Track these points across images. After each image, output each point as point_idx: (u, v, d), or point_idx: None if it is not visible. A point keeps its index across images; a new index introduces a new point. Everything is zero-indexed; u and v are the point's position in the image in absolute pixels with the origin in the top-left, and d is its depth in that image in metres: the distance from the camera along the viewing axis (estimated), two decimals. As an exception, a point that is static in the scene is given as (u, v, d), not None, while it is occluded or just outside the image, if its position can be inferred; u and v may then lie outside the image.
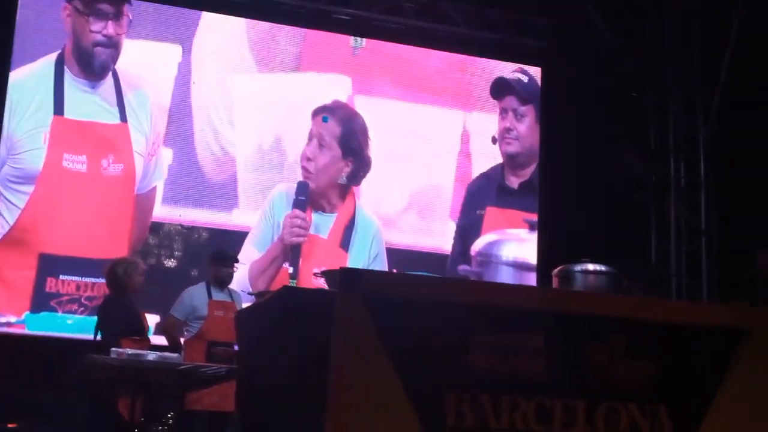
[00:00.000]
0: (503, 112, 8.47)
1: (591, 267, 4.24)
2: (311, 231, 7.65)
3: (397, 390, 2.88)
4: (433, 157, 8.30)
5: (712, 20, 8.18)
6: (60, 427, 6.23)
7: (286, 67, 7.98)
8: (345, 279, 2.96)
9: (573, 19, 8.17)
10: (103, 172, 7.24)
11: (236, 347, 5.24)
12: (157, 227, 7.42)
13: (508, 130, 8.43)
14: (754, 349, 3.26)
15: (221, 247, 6.58)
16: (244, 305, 5.84)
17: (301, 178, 7.73)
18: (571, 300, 3.44)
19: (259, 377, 3.66)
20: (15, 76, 7.19)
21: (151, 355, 4.68)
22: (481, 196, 8.33)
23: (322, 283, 4.04)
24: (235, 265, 6.12)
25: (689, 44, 8.58)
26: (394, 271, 7.59)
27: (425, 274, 6.81)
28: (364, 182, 7.96)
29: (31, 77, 7.22)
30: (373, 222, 7.95)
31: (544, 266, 7.85)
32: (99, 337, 5.33)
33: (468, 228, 8.24)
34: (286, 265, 7.51)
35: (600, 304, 3.38)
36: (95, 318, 5.61)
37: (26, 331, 6.94)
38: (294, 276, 7.44)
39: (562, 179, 8.27)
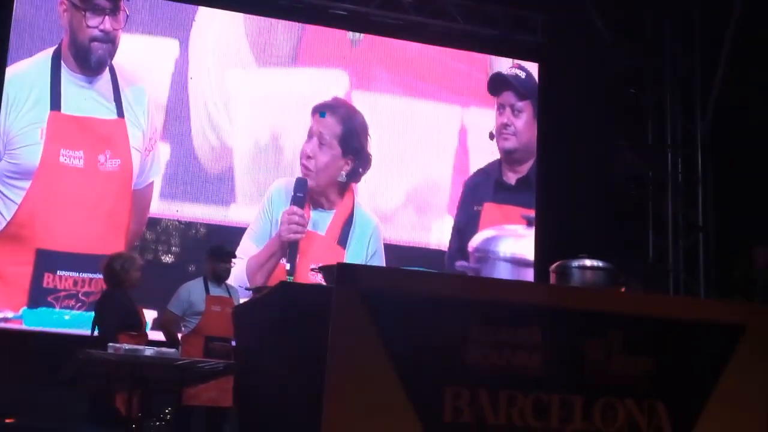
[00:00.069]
0: (500, 107, 8.47)
1: (588, 263, 4.24)
2: (309, 227, 7.65)
3: (395, 385, 2.88)
4: (430, 153, 8.30)
5: (711, 16, 8.18)
6: (57, 423, 6.23)
7: (284, 63, 7.97)
8: (342, 274, 2.97)
9: (571, 15, 8.17)
10: (100, 168, 7.22)
11: (234, 343, 5.24)
12: (154, 223, 7.41)
13: (505, 125, 8.43)
14: (751, 345, 3.27)
15: (219, 243, 6.57)
16: (242, 301, 5.84)
17: (299, 175, 7.72)
18: (569, 296, 3.44)
19: (256, 372, 3.66)
20: (12, 72, 7.17)
21: (149, 351, 4.67)
22: (479, 192, 8.32)
23: (319, 278, 4.04)
24: (233, 260, 6.12)
25: (687, 41, 8.59)
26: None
27: (422, 269, 6.82)
28: (361, 178, 7.95)
29: (28, 72, 7.21)
30: (371, 220, 7.94)
31: (541, 262, 7.86)
32: (96, 333, 5.32)
33: (465, 224, 8.24)
34: (283, 261, 7.51)
35: (597, 299, 3.39)
36: (92, 313, 5.60)
37: (23, 327, 6.93)
38: (291, 272, 7.44)
39: (560, 175, 8.27)
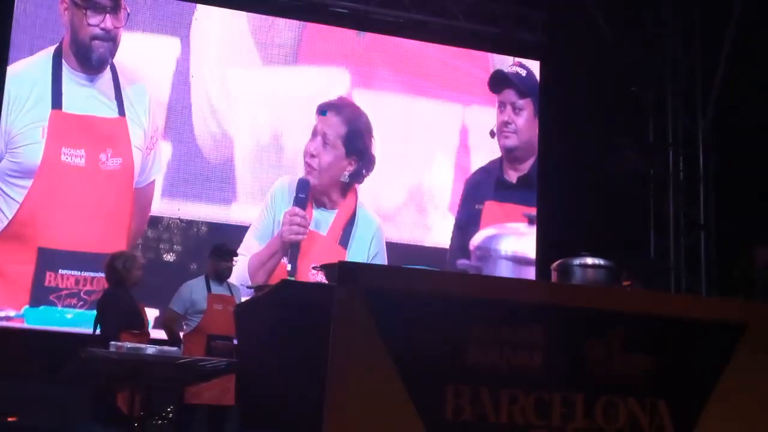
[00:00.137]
0: (501, 105, 8.47)
1: (589, 261, 4.24)
2: (311, 227, 7.65)
3: (396, 383, 2.88)
4: (431, 151, 8.30)
5: (712, 14, 8.17)
6: (59, 421, 6.23)
7: (285, 61, 7.97)
8: (343, 273, 2.97)
9: (572, 13, 8.17)
10: (101, 166, 7.23)
11: (235, 341, 5.24)
12: (155, 221, 7.42)
13: (506, 123, 8.43)
14: (752, 343, 3.27)
15: (220, 241, 6.57)
16: (243, 299, 5.84)
17: (301, 172, 7.72)
18: (570, 294, 3.44)
19: (258, 371, 3.66)
20: (13, 70, 7.17)
21: (151, 349, 4.67)
22: (480, 190, 8.32)
23: (320, 277, 4.04)
24: (234, 258, 6.12)
25: (688, 38, 8.58)
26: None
27: (424, 267, 6.81)
28: (364, 179, 7.95)
29: (29, 71, 7.21)
30: (373, 220, 7.93)
31: (542, 260, 7.86)
32: (98, 331, 5.33)
33: (466, 222, 8.24)
34: (284, 261, 7.51)
35: (599, 298, 3.39)
36: (94, 312, 5.61)
37: (25, 325, 6.94)
38: (292, 273, 7.43)
39: (561, 173, 8.27)
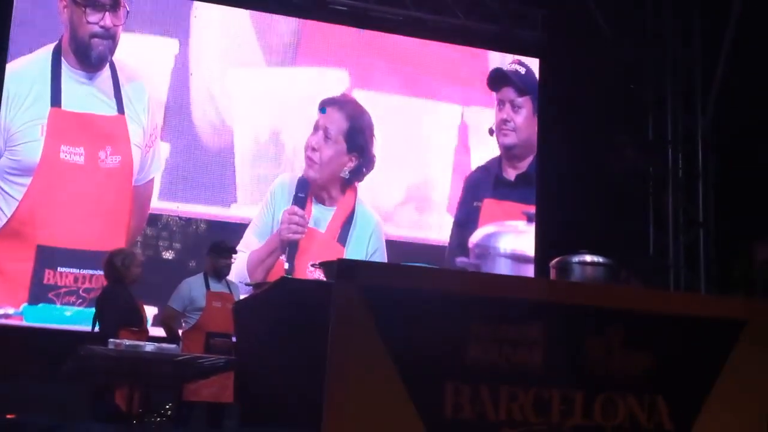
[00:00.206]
0: (500, 103, 8.46)
1: (589, 258, 4.25)
2: (310, 224, 7.65)
3: (395, 381, 2.88)
4: (430, 149, 8.30)
5: (712, 13, 8.17)
6: (58, 419, 6.23)
7: (284, 59, 7.97)
8: (342, 270, 2.96)
9: (571, 11, 8.16)
10: (100, 164, 7.22)
11: (234, 338, 5.24)
12: (154, 219, 7.41)
13: (505, 121, 8.42)
14: (751, 340, 3.27)
15: (219, 239, 6.56)
16: (242, 296, 5.84)
17: (301, 171, 7.72)
18: (570, 291, 3.44)
19: (257, 368, 3.66)
20: (12, 68, 7.16)
21: (149, 346, 4.67)
22: (479, 188, 8.32)
23: (318, 275, 4.04)
24: (233, 256, 6.12)
25: (688, 36, 8.58)
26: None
27: (423, 265, 6.81)
28: (364, 178, 7.94)
29: (28, 69, 7.20)
30: (372, 218, 7.93)
31: (541, 258, 7.86)
32: (97, 329, 5.33)
33: (465, 220, 8.24)
34: (282, 258, 7.51)
35: (598, 295, 3.39)
36: (93, 310, 5.60)
37: (24, 323, 6.94)
38: (290, 271, 7.44)
39: (560, 171, 8.27)
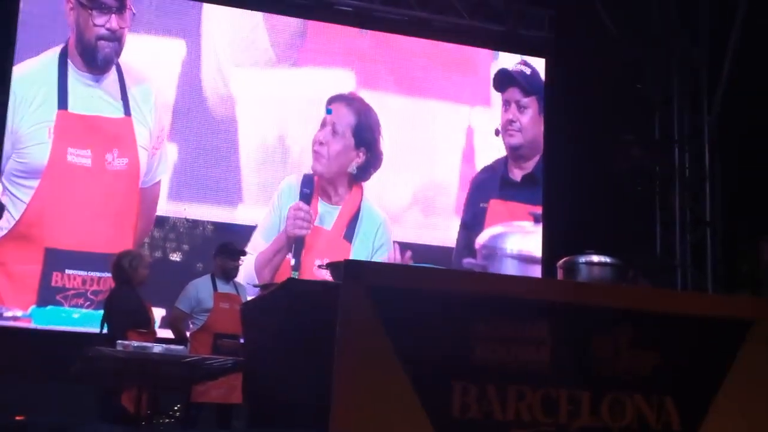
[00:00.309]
0: (506, 103, 8.46)
1: (596, 258, 4.25)
2: (316, 222, 7.67)
3: (403, 381, 2.88)
4: (436, 150, 8.30)
5: (718, 12, 8.16)
6: (66, 421, 6.25)
7: (289, 61, 7.98)
8: (349, 271, 2.97)
9: (578, 11, 8.15)
10: (107, 167, 7.24)
11: (242, 339, 5.25)
12: (162, 221, 7.43)
13: (510, 122, 8.42)
14: (759, 340, 3.26)
15: (227, 240, 6.57)
16: (249, 297, 5.85)
17: (308, 169, 7.72)
18: (577, 291, 3.44)
19: (265, 369, 3.67)
20: (19, 71, 7.19)
21: (157, 348, 4.69)
22: (485, 189, 8.32)
23: (326, 275, 4.04)
24: (242, 258, 6.13)
25: (694, 35, 8.56)
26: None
27: (430, 266, 6.82)
28: (371, 177, 7.95)
29: (35, 71, 7.22)
30: (378, 215, 7.94)
31: (548, 258, 7.85)
32: (105, 331, 5.35)
33: (472, 221, 8.24)
34: (289, 255, 7.53)
35: (605, 295, 3.39)
36: (101, 311, 5.62)
37: (32, 325, 6.96)
38: (296, 267, 7.46)
39: (566, 171, 8.26)
